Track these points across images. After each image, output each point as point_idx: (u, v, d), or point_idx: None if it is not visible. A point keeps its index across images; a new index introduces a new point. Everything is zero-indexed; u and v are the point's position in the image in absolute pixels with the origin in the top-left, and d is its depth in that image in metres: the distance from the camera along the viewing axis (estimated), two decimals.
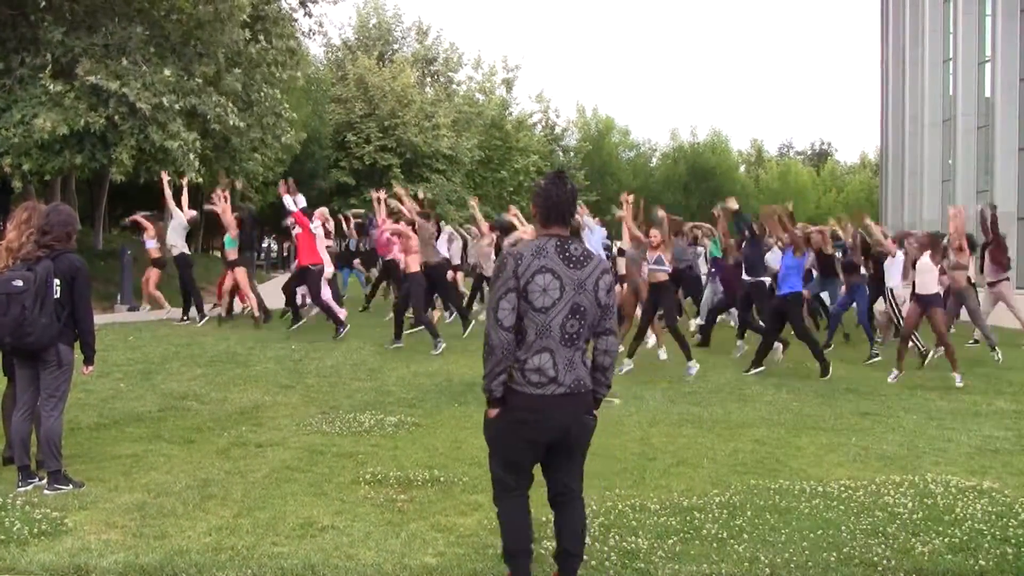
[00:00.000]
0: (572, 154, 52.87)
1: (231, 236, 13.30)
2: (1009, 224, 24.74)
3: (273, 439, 6.74)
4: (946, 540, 4.54)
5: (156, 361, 10.11)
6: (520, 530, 3.62)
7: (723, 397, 9.01)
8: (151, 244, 14.39)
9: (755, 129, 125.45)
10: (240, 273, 13.23)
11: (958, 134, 28.12)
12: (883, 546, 4.45)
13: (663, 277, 10.26)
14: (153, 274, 14.44)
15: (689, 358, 10.17)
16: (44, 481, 5.25)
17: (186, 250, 13.81)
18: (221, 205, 13.10)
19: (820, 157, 77.06)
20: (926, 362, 10.90)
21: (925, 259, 10.08)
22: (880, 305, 12.74)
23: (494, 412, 3.54)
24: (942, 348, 10.40)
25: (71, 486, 5.23)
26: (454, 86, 46.14)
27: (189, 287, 13.64)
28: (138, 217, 15.11)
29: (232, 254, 13.33)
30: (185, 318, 13.78)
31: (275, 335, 12.37)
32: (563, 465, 3.65)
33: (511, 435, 3.54)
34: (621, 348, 12.10)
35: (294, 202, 12.49)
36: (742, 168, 65.49)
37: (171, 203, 13.79)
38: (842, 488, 5.47)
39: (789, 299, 10.36)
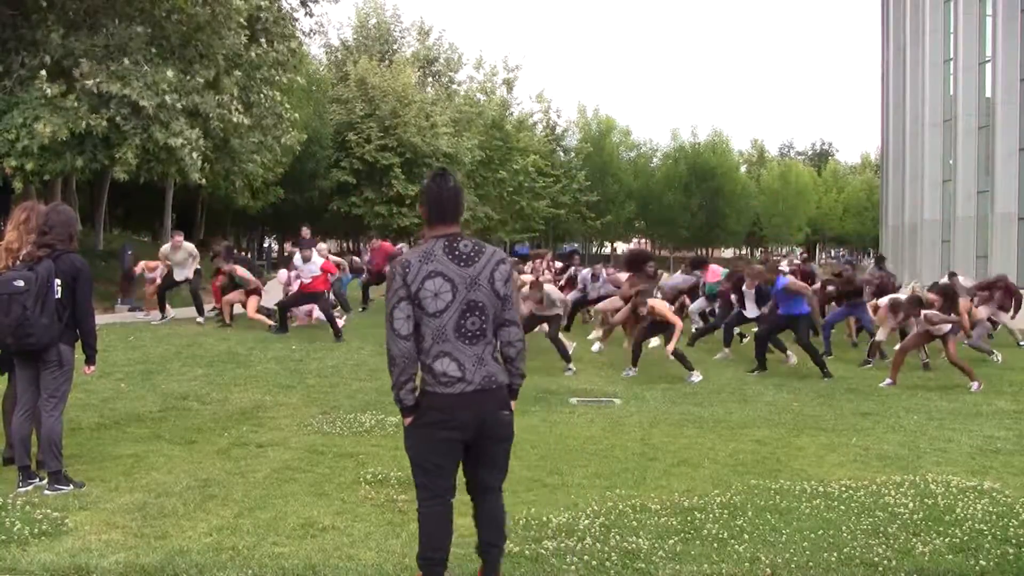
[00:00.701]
0: (573, 154, 52.87)
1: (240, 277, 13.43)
2: (1010, 225, 24.81)
3: (274, 439, 6.75)
4: (947, 540, 4.53)
5: (157, 361, 10.11)
6: (437, 538, 3.54)
7: (724, 397, 9.01)
8: (150, 275, 14.54)
9: (756, 129, 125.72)
10: (253, 301, 13.30)
11: (959, 134, 28.14)
12: (884, 546, 4.44)
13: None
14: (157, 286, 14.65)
15: (690, 369, 10.17)
16: (45, 481, 5.24)
17: (191, 275, 13.96)
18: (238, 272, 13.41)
19: (821, 157, 77.14)
20: (930, 368, 10.91)
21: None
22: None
23: (408, 420, 3.53)
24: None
25: (72, 486, 5.23)
26: (455, 86, 46.14)
27: (195, 296, 13.87)
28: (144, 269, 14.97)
29: (247, 288, 13.44)
30: (163, 317, 13.93)
31: (276, 335, 12.37)
32: (482, 461, 3.59)
33: (428, 437, 3.49)
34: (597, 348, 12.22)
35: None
36: (743, 168, 65.46)
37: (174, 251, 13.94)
38: (843, 488, 5.47)
39: (797, 318, 10.64)
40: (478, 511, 3.66)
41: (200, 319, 13.53)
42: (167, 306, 14.14)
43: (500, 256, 3.56)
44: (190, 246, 14.21)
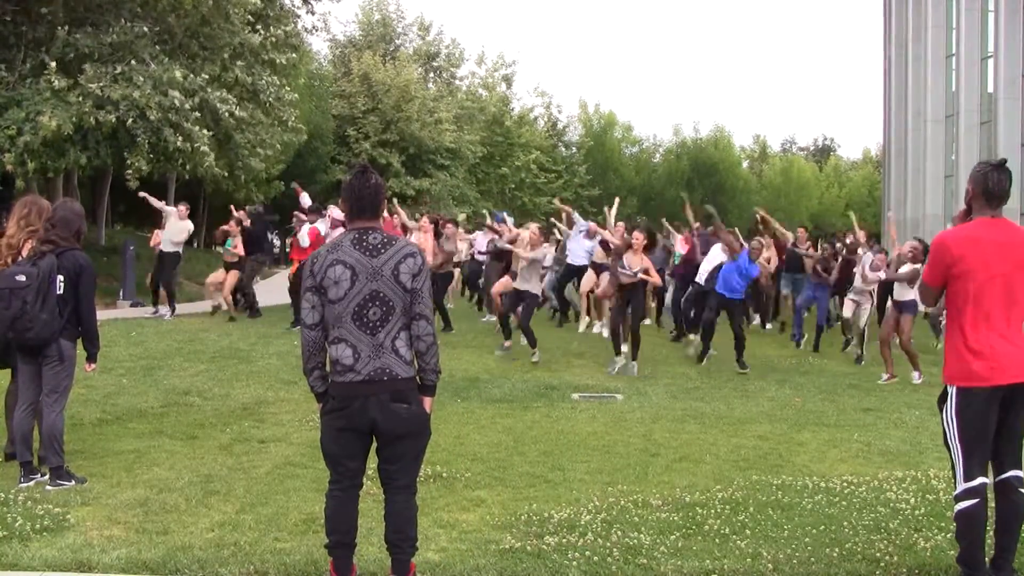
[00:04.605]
0: (574, 149, 52.81)
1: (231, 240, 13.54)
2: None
3: (275, 435, 6.75)
4: (948, 536, 4.53)
5: (158, 357, 10.11)
6: (338, 524, 3.61)
7: (726, 393, 9.01)
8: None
9: (758, 125, 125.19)
10: (232, 276, 13.45)
11: (961, 130, 28.11)
12: (885, 542, 4.44)
13: (634, 279, 10.11)
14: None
15: (617, 353, 10.04)
16: (46, 477, 5.25)
17: (180, 250, 13.96)
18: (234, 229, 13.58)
19: (823, 153, 76.92)
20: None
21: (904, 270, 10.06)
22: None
23: (319, 406, 3.64)
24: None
25: (73, 482, 5.24)
26: (456, 82, 46.09)
27: (170, 284, 13.88)
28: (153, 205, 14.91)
29: (231, 257, 13.49)
30: (156, 311, 13.89)
31: (277, 331, 12.37)
32: (384, 455, 3.62)
33: (326, 425, 3.59)
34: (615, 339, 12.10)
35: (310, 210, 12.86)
36: (745, 164, 65.35)
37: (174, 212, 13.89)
38: (844, 484, 5.47)
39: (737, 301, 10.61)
40: (385, 507, 3.69)
41: (159, 310, 13.75)
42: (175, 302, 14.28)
43: (409, 250, 3.58)
44: (189, 224, 14.10)
